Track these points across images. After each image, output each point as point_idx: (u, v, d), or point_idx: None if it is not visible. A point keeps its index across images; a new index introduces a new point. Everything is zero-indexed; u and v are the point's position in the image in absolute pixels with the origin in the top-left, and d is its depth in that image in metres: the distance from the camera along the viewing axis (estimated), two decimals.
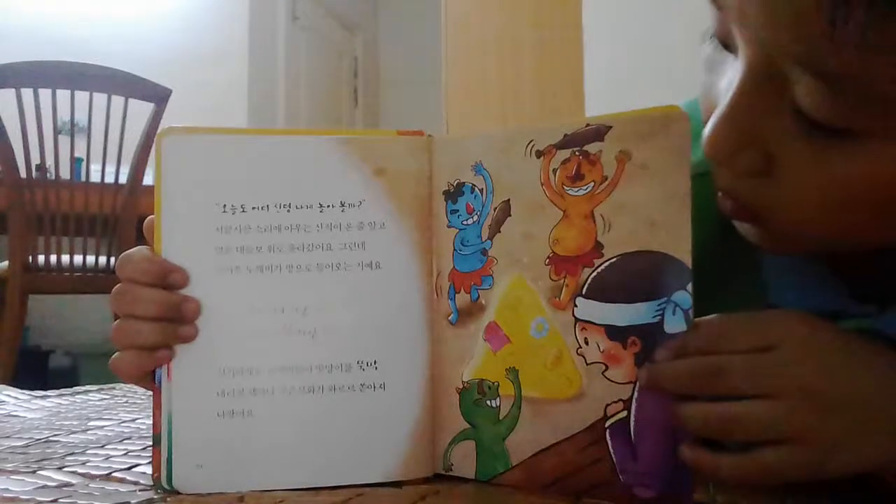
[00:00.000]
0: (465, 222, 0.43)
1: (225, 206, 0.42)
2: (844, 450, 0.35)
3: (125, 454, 0.51)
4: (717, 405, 0.36)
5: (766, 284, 0.46)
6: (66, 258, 2.09)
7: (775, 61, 0.34)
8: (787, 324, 0.37)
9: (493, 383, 0.42)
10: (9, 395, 0.79)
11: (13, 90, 1.97)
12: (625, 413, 0.38)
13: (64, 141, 2.04)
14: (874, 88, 0.32)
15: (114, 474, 0.45)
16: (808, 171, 0.36)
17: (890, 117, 0.33)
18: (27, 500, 0.39)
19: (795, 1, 0.31)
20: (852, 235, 0.38)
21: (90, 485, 0.43)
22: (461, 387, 0.43)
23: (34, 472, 0.46)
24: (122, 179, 2.13)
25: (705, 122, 0.38)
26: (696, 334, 0.37)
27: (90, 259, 2.12)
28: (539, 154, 0.41)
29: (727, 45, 0.38)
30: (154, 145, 0.42)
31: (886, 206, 0.35)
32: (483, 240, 0.43)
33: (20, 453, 0.51)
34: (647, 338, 0.38)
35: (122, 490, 0.42)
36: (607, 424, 0.39)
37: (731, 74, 0.37)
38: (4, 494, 0.40)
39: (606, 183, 0.39)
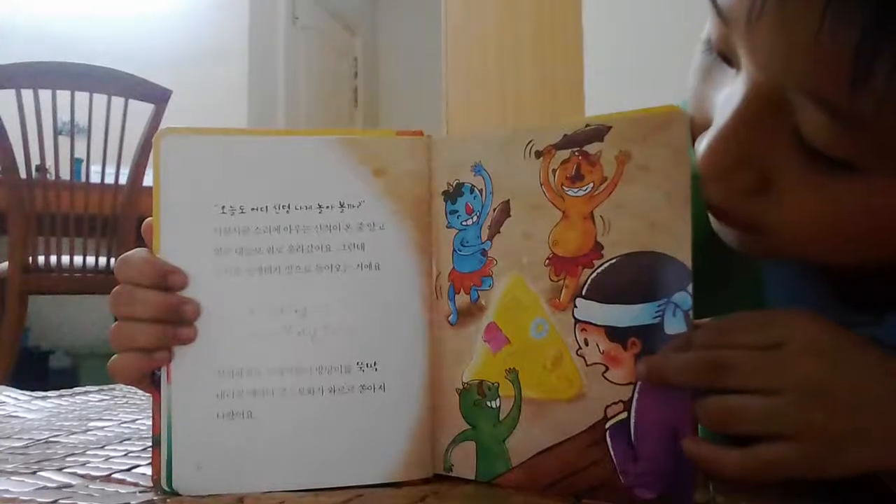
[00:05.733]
0: (464, 223, 0.43)
1: (224, 206, 0.42)
2: (848, 449, 0.35)
3: (125, 455, 0.51)
4: (720, 396, 0.36)
5: (763, 288, 0.46)
6: (66, 258, 2.09)
7: (782, 87, 0.33)
8: (794, 322, 0.37)
9: (493, 384, 0.42)
10: (9, 396, 0.79)
11: (13, 90, 1.97)
12: (625, 414, 0.38)
13: (64, 141, 2.04)
14: (885, 133, 0.31)
15: (114, 475, 0.45)
16: (806, 197, 0.35)
17: None
18: (27, 501, 0.39)
19: (822, 39, 0.30)
20: (850, 254, 0.38)
21: (90, 486, 0.43)
22: (461, 388, 0.43)
23: (34, 472, 0.46)
24: (122, 180, 2.13)
25: (695, 133, 0.38)
26: (702, 330, 0.37)
27: (90, 259, 2.12)
28: (539, 154, 0.41)
29: (727, 58, 0.37)
30: (153, 146, 0.42)
31: (888, 231, 0.35)
32: (483, 240, 0.43)
33: (20, 454, 0.51)
34: (647, 339, 0.38)
35: (121, 491, 0.42)
36: (607, 426, 0.39)
37: (730, 89, 0.36)
38: (4, 495, 0.40)
39: (606, 183, 0.39)
